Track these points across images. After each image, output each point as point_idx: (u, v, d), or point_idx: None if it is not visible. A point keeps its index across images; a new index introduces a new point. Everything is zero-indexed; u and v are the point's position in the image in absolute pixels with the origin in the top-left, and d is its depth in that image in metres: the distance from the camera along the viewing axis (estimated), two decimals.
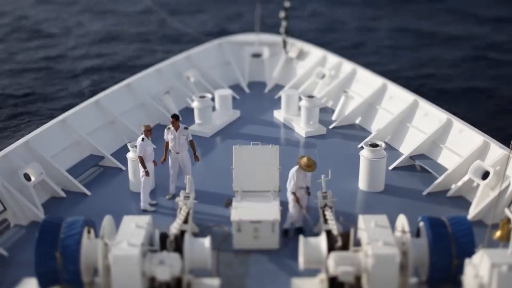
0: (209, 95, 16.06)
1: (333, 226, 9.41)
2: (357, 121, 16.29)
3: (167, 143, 12.30)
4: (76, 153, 13.77)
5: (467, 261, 8.09)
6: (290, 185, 11.04)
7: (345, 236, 8.92)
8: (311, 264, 8.94)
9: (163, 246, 8.93)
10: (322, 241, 8.96)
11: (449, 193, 12.63)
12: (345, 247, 8.85)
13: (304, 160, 10.87)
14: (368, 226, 8.95)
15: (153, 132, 12.34)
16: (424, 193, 12.74)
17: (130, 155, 12.58)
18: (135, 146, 12.16)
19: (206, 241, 9.12)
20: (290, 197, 11.09)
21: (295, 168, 11.03)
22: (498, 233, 8.58)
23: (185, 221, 9.92)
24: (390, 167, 13.66)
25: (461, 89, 23.40)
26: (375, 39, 30.18)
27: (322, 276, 8.95)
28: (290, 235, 11.03)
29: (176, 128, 12.19)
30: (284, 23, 18.84)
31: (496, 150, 12.38)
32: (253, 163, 11.52)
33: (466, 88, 23.53)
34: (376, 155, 12.62)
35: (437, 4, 36.13)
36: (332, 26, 32.64)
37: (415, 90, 16.10)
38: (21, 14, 34.25)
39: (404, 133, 14.85)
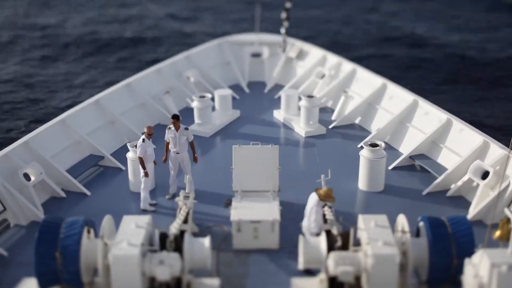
0: (209, 95, 16.04)
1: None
2: (357, 121, 16.28)
3: (168, 143, 12.31)
4: (76, 153, 13.76)
5: (467, 261, 8.10)
6: (311, 222, 9.77)
7: (345, 236, 8.91)
8: (311, 264, 8.94)
9: (163, 246, 8.93)
10: (322, 241, 8.97)
11: (449, 193, 12.63)
12: (345, 247, 8.85)
13: (324, 190, 9.83)
14: (368, 226, 8.96)
15: (153, 133, 12.35)
16: (424, 193, 12.74)
17: (130, 155, 12.57)
18: (135, 146, 12.16)
19: (206, 241, 9.11)
20: (310, 236, 9.62)
21: (315, 201, 9.76)
22: (497, 233, 8.55)
23: (185, 221, 9.90)
24: (390, 167, 13.66)
25: (461, 89, 23.41)
26: (376, 39, 30.19)
27: (322, 276, 8.96)
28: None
29: (177, 128, 12.20)
30: (285, 24, 18.82)
31: (496, 150, 12.37)
32: (253, 163, 11.51)
33: (466, 88, 23.54)
34: (376, 155, 12.62)
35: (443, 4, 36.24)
36: (332, 26, 32.65)
37: (415, 90, 16.10)
38: (22, 12, 34.29)
39: (404, 133, 14.84)
